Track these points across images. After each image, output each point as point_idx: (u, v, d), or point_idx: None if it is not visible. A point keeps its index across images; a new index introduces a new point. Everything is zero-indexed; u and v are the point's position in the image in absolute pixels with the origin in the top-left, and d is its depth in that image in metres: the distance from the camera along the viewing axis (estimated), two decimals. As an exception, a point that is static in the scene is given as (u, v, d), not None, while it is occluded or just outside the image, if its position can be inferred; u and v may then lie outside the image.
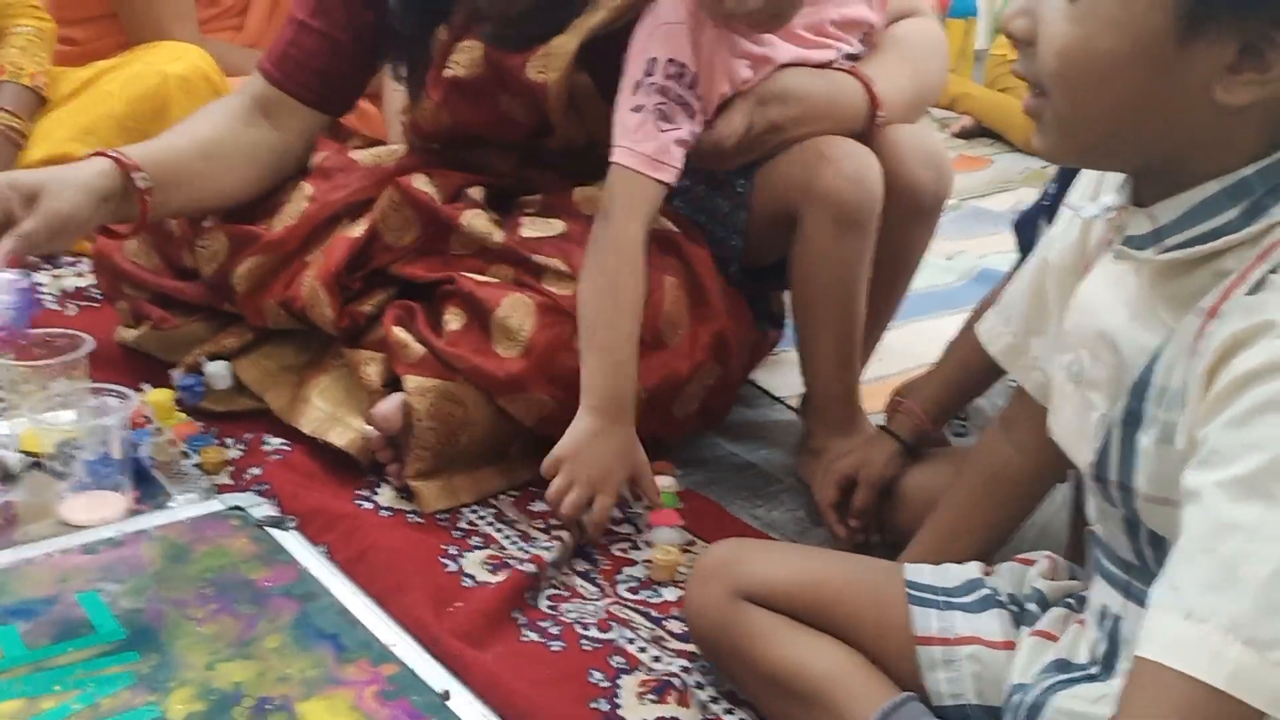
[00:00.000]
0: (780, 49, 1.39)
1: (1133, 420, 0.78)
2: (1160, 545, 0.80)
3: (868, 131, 1.41)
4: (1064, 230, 0.93)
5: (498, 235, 1.43)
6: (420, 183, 1.45)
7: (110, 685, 0.99)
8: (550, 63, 1.40)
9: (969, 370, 1.32)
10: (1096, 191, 0.88)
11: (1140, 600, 0.82)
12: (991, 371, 1.36)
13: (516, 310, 1.34)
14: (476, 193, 1.48)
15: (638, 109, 1.31)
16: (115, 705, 0.97)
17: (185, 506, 1.26)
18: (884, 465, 1.29)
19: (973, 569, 1.00)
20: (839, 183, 1.34)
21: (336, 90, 1.55)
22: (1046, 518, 1.22)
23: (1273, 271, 0.71)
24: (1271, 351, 0.68)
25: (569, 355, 1.31)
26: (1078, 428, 0.84)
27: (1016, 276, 1.02)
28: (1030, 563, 1.00)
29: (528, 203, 1.50)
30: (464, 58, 1.43)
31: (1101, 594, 0.87)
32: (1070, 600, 0.95)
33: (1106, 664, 0.86)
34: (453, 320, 1.37)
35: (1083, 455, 0.84)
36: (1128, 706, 0.70)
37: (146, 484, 1.31)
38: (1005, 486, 1.06)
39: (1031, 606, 0.96)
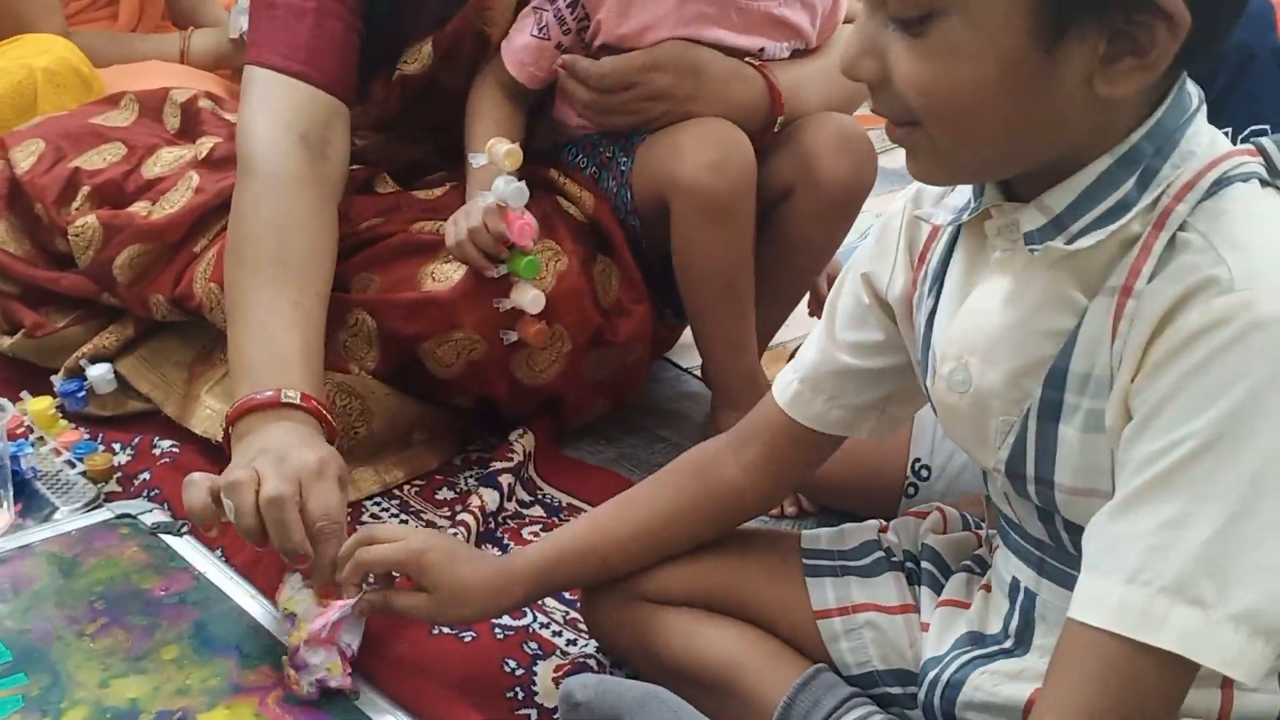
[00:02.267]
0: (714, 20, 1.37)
1: (1051, 411, 0.75)
2: (1077, 531, 0.77)
3: (764, 133, 1.39)
4: (879, 245, 0.89)
5: (425, 194, 1.41)
6: None
7: (-3, 711, 0.94)
8: (490, 16, 1.38)
9: None
10: (942, 194, 0.83)
11: (1055, 578, 0.81)
12: None
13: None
14: (381, 182, 1.45)
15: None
16: (3, 731, 0.92)
17: (71, 518, 1.21)
18: None
19: (870, 529, 1.00)
20: (701, 173, 1.32)
21: (354, 82, 1.35)
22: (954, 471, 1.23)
23: (1174, 235, 0.69)
24: (1211, 308, 0.65)
25: (497, 288, 1.27)
26: (976, 434, 0.80)
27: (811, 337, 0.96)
28: (922, 516, 1.00)
29: (430, 180, 1.48)
30: (413, 55, 1.40)
31: (1011, 566, 0.86)
32: (969, 563, 0.94)
33: (1020, 639, 0.85)
34: (373, 280, 1.32)
35: (989, 458, 0.80)
36: (1063, 671, 0.68)
37: (30, 497, 1.25)
38: (717, 504, 1.00)
39: (926, 565, 0.95)
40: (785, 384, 0.95)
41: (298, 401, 1.09)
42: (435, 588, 0.96)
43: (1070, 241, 0.71)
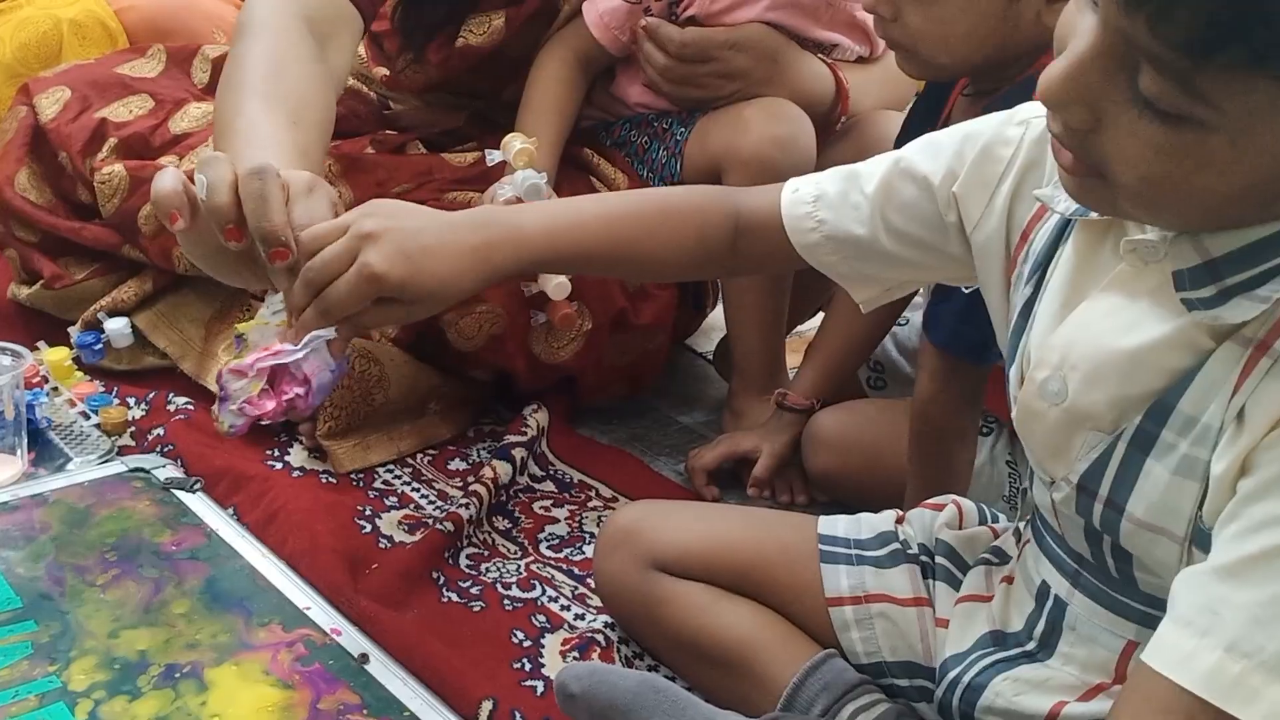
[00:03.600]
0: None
1: (1144, 442, 0.71)
2: (1125, 558, 0.76)
3: (826, 129, 1.41)
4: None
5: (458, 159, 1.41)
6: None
7: (6, 656, 0.94)
8: None
9: (849, 340, 1.34)
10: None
11: (1090, 593, 0.80)
12: (873, 337, 1.37)
13: None
14: (413, 148, 1.45)
15: None
16: (12, 677, 0.92)
17: (84, 469, 1.21)
18: (783, 446, 1.33)
19: (887, 519, 0.99)
20: (765, 145, 1.32)
21: (379, 2, 1.30)
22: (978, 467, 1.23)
23: None
24: None
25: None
26: (1057, 444, 0.77)
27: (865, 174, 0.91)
28: (938, 508, 0.99)
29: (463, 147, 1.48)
30: (481, 26, 1.39)
31: (1042, 569, 0.84)
32: (988, 555, 0.94)
33: (1044, 642, 0.84)
34: None
35: (1061, 469, 0.77)
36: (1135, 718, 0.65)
37: (43, 447, 1.25)
38: (702, 255, 0.97)
39: (941, 560, 0.95)
40: (798, 202, 0.92)
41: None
42: (391, 267, 0.83)
43: (1221, 298, 0.66)
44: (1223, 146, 0.59)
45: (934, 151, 0.87)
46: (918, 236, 0.88)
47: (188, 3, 2.01)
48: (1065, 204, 0.75)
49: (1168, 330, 0.70)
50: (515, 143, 1.28)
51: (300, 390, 0.87)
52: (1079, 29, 0.63)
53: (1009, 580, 0.89)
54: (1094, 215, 0.74)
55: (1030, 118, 0.82)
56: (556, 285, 1.26)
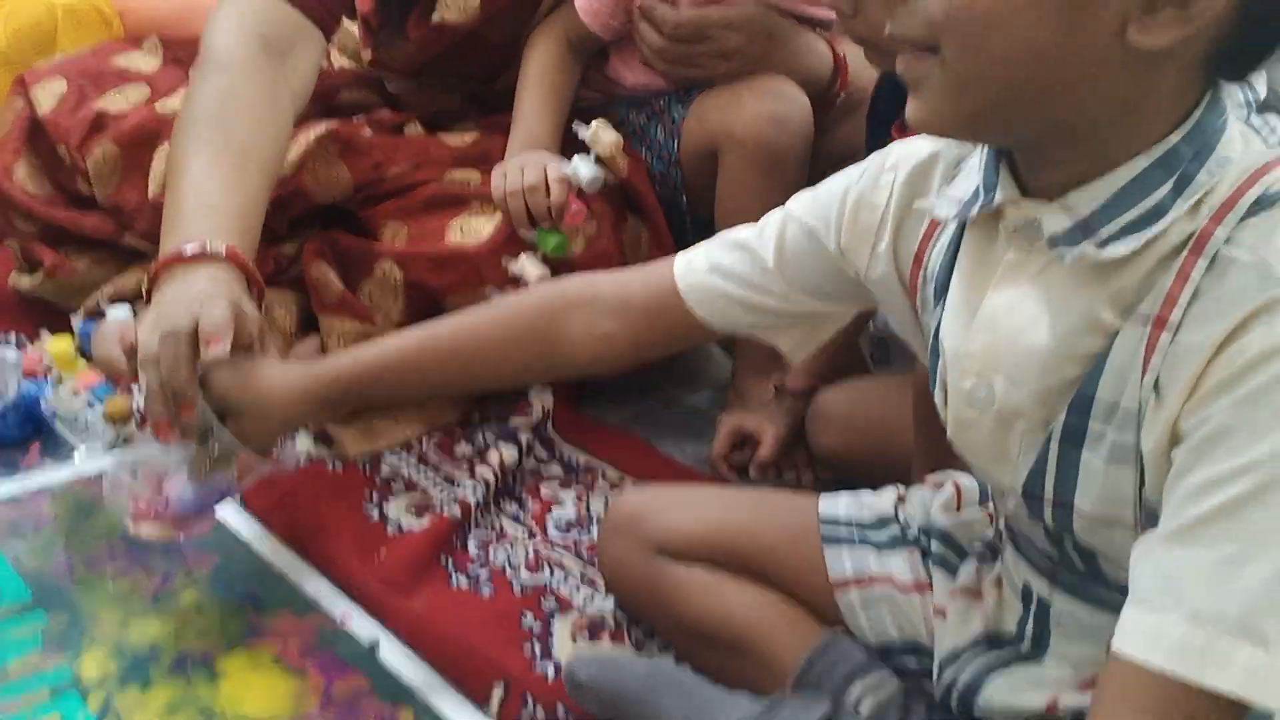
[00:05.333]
0: None
1: (1074, 437, 0.71)
2: (1088, 554, 0.76)
3: (826, 105, 1.39)
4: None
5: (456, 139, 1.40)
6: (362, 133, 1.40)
7: (18, 648, 0.95)
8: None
9: None
10: (939, 182, 0.80)
11: (1068, 589, 0.80)
12: (861, 315, 1.38)
13: (484, 210, 1.30)
14: (411, 127, 1.44)
15: None
16: (23, 669, 0.93)
17: (90, 459, 1.21)
18: (786, 428, 1.33)
19: (887, 500, 0.99)
20: (760, 123, 1.32)
21: (340, 12, 1.34)
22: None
23: (1215, 256, 0.64)
24: (1274, 331, 0.61)
25: (527, 248, 1.28)
26: (996, 452, 0.77)
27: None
28: (938, 486, 0.99)
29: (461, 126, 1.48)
30: (457, 2, 1.39)
31: (1021, 571, 0.84)
32: (983, 549, 0.93)
33: (1036, 642, 0.84)
34: (402, 229, 1.32)
35: (1005, 478, 0.77)
36: (1113, 712, 0.64)
37: (49, 437, 1.25)
38: (543, 353, 0.99)
39: (937, 547, 0.94)
40: (693, 273, 0.93)
41: (222, 253, 1.03)
42: (228, 401, 0.96)
43: (1101, 246, 0.67)
44: None
45: (818, 209, 0.89)
46: (823, 292, 0.90)
47: (190, 5, 1.99)
48: (946, 207, 0.76)
49: (1071, 315, 0.70)
50: (606, 134, 1.30)
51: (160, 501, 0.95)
52: None
53: (998, 583, 0.89)
54: (977, 212, 0.73)
55: (899, 160, 0.84)
56: (539, 275, 1.28)
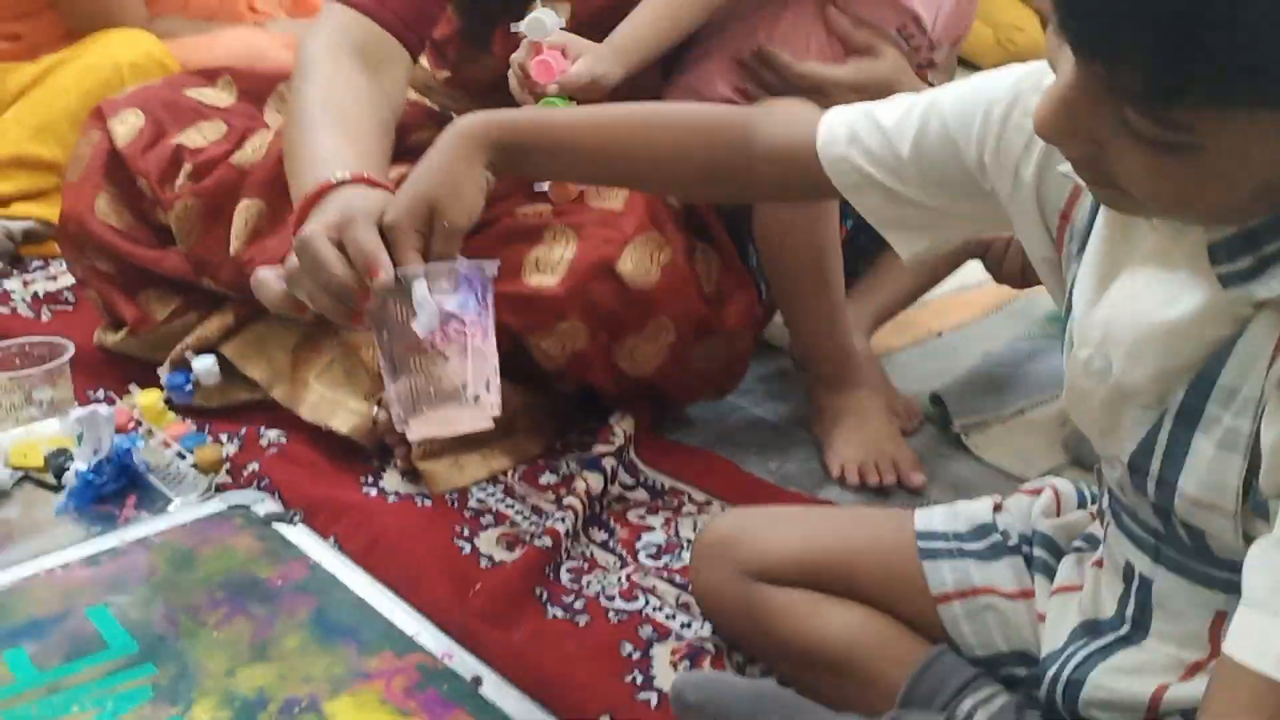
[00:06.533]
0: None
1: (1190, 417, 0.70)
2: (1196, 531, 0.75)
3: None
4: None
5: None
6: None
7: (130, 701, 0.96)
8: None
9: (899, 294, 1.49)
10: None
11: (1172, 567, 0.78)
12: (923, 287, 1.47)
13: (558, 240, 1.30)
14: None
15: None
16: (137, 721, 0.94)
17: (185, 509, 1.23)
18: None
19: (984, 510, 0.97)
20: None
21: (426, 34, 1.35)
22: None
23: None
24: None
25: (605, 283, 1.28)
26: (1107, 423, 0.77)
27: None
28: (1035, 493, 0.98)
29: None
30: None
31: (1124, 549, 0.83)
32: (1081, 543, 0.92)
33: (1138, 623, 0.82)
34: None
35: (1113, 448, 0.77)
36: (1224, 716, 0.63)
37: (144, 490, 1.27)
38: (722, 177, 0.96)
39: (1039, 552, 0.93)
40: (834, 143, 0.88)
41: (348, 178, 1.00)
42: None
43: (1259, 269, 0.65)
44: (1219, 163, 0.60)
45: (963, 115, 0.84)
46: (956, 198, 0.86)
47: (250, 55, 2.03)
48: None
49: (1206, 300, 0.69)
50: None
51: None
52: (1062, 60, 0.62)
53: (1099, 564, 0.87)
54: None
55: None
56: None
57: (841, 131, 0.89)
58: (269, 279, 0.95)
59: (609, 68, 1.28)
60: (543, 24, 1.25)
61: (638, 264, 1.29)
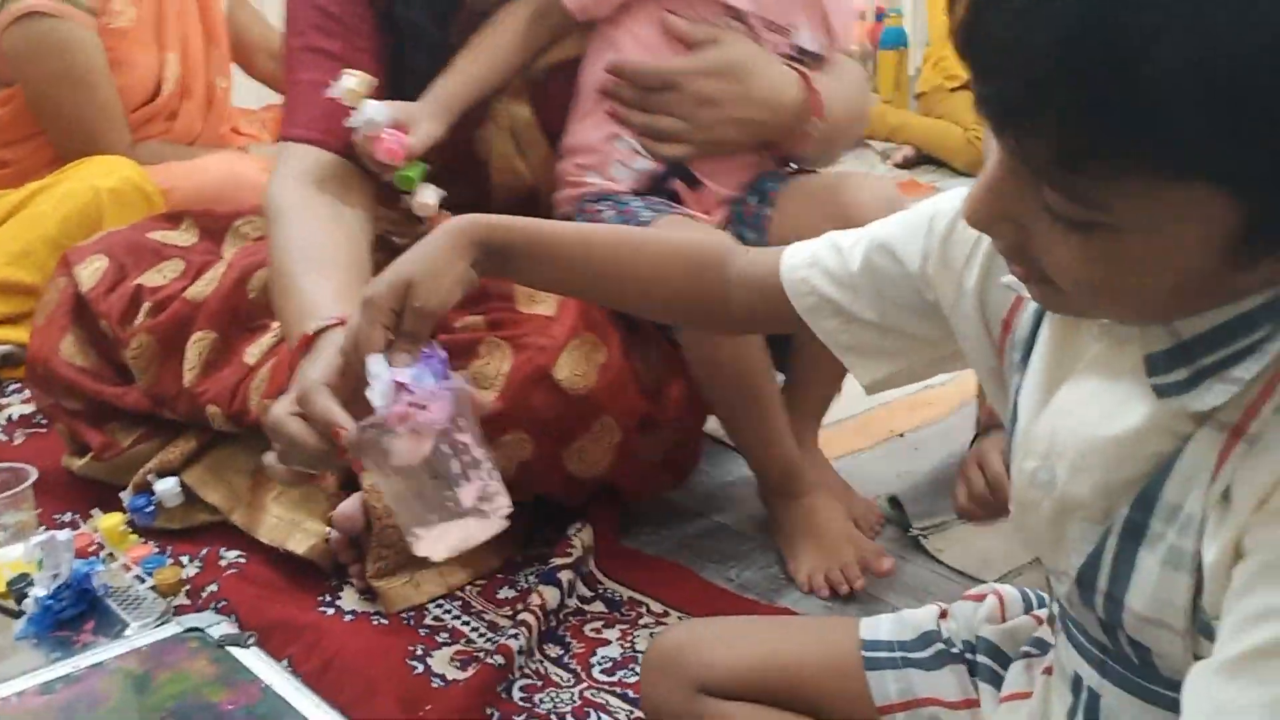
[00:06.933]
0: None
1: (1134, 533, 0.69)
2: (1143, 647, 0.74)
3: (798, 136, 1.40)
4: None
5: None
6: None
7: (72, 835, 0.96)
8: None
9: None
10: None
11: (1118, 682, 0.77)
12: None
13: (494, 354, 1.31)
14: None
15: None
16: None
17: (142, 633, 1.23)
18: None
19: (929, 617, 0.97)
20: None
21: None
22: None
23: None
24: None
25: (544, 392, 1.29)
26: (1052, 536, 0.75)
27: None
28: (979, 598, 0.97)
29: None
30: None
31: (1073, 660, 0.82)
32: (1029, 648, 0.92)
33: None
34: None
35: (1060, 562, 0.76)
36: None
37: (102, 614, 1.27)
38: (703, 307, 0.98)
39: (984, 659, 0.93)
40: (797, 268, 0.90)
41: (325, 325, 1.06)
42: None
43: (1194, 381, 0.64)
44: (1138, 246, 0.59)
45: (909, 225, 0.86)
46: (906, 315, 0.87)
47: (233, 180, 2.07)
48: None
49: (1148, 413, 0.68)
50: (348, 79, 1.30)
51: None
52: (990, 149, 0.63)
53: (1048, 671, 0.87)
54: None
55: None
56: (420, 204, 1.35)
57: (804, 255, 0.91)
58: (278, 469, 1.01)
59: (438, 127, 1.35)
60: (375, 121, 1.30)
61: (574, 368, 1.30)
